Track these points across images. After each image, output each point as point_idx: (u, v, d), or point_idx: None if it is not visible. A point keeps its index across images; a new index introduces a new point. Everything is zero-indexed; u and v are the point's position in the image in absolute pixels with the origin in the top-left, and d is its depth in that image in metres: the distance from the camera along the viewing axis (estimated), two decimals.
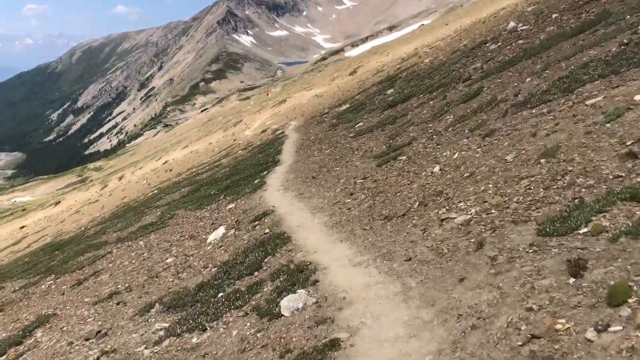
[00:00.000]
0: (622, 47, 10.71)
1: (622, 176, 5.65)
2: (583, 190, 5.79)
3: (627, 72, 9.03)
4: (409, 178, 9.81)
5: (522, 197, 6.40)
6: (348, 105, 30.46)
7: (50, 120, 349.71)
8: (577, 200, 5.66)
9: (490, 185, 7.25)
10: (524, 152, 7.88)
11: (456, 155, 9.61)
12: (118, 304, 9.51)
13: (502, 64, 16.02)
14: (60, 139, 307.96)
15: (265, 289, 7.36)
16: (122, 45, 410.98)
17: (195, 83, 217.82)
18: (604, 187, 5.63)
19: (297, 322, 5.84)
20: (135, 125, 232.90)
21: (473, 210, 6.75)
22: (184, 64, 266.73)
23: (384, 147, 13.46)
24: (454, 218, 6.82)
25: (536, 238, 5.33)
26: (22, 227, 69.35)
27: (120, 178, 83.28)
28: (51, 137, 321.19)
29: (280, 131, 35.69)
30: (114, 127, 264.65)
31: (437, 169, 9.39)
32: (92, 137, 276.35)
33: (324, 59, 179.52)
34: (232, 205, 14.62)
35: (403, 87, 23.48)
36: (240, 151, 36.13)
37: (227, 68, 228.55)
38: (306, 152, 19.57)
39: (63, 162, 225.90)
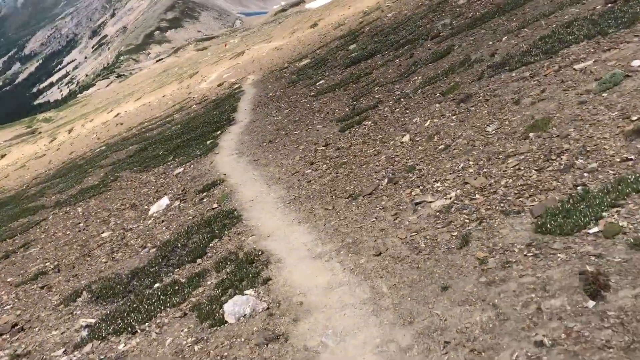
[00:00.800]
0: (609, 4, 9.78)
1: (631, 159, 4.76)
2: (585, 175, 4.88)
3: (617, 33, 8.11)
4: (376, 147, 8.76)
5: (510, 179, 5.44)
6: (309, 61, 28.93)
7: None
8: (580, 188, 4.74)
9: (471, 163, 6.28)
10: (507, 123, 6.92)
11: (428, 122, 8.60)
12: (42, 288, 8.25)
13: (473, 20, 14.94)
14: (7, 88, 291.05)
15: (208, 282, 6.24)
16: None
17: (150, 32, 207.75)
18: (611, 172, 4.73)
19: (243, 334, 4.76)
20: (87, 75, 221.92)
21: (453, 194, 5.77)
22: (138, 11, 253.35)
23: (347, 109, 12.32)
24: (431, 202, 5.82)
25: (534, 236, 4.39)
26: None
27: (70, 131, 79.74)
28: None
29: (237, 85, 33.95)
30: (65, 76, 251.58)
31: (406, 138, 8.37)
32: (41, 86, 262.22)
33: (284, 10, 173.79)
34: (180, 170, 13.31)
35: (366, 42, 22.13)
36: (194, 106, 34.36)
37: (183, 17, 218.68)
38: (263, 110, 18.20)
39: (10, 113, 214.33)
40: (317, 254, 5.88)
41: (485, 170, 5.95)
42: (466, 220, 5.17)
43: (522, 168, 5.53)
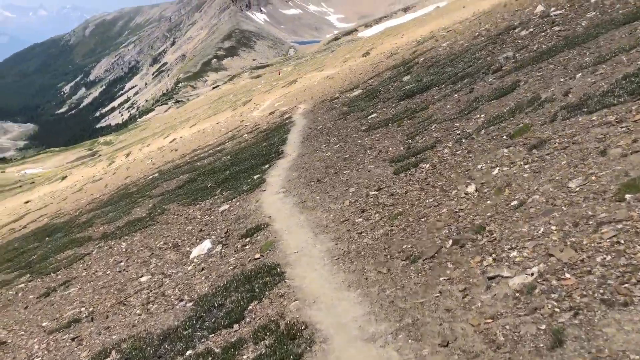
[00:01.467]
0: None
1: None
2: None
3: None
4: (436, 197, 7.88)
5: (608, 256, 4.44)
6: (360, 91, 28.40)
7: (62, 93, 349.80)
8: None
9: (554, 228, 5.30)
10: (593, 178, 5.90)
11: (496, 171, 7.65)
12: (74, 339, 7.78)
13: (538, 53, 13.90)
14: (72, 112, 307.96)
15: (244, 357, 5.52)
16: (135, 20, 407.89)
17: (207, 60, 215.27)
18: None
19: None
20: (146, 101, 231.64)
21: (535, 269, 4.81)
22: (197, 40, 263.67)
23: (402, 148, 11.49)
24: (508, 278, 4.89)
25: None
26: (27, 202, 68.98)
27: (128, 155, 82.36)
28: (63, 109, 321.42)
29: (288, 115, 33.81)
30: (126, 101, 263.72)
31: (472, 188, 7.44)
32: (103, 110, 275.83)
33: (336, 39, 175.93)
34: (225, 207, 12.81)
35: (421, 74, 21.33)
36: (245, 135, 34.44)
37: (239, 45, 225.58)
38: (313, 144, 17.63)
39: (74, 135, 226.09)
40: (370, 335, 5.00)
41: (572, 239, 4.96)
42: (556, 309, 4.20)
43: (623, 242, 4.52)
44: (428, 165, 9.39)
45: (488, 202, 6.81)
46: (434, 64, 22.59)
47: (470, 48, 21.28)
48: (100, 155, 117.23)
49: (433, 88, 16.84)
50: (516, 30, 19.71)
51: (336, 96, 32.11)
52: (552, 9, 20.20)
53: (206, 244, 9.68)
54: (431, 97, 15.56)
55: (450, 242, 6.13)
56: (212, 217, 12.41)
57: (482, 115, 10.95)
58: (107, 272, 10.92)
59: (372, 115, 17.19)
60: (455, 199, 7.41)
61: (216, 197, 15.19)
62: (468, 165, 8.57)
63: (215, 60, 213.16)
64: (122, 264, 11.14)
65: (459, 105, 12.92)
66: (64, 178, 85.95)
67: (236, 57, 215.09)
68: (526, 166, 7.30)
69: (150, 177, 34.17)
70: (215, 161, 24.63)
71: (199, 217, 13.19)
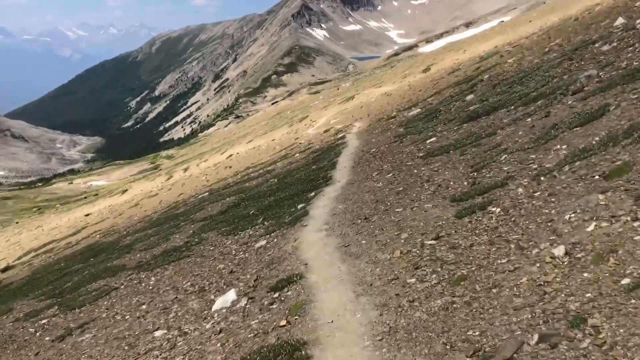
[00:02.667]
0: None
1: None
2: None
3: None
4: (511, 256, 6.15)
5: None
6: (419, 110, 26.67)
7: (129, 108, 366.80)
8: None
9: None
10: None
11: (591, 227, 5.86)
12: None
13: (629, 71, 11.80)
14: (138, 126, 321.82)
15: None
16: (199, 37, 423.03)
17: (267, 76, 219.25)
18: None
19: None
20: (208, 116, 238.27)
21: None
22: (258, 57, 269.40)
23: (466, 183, 9.75)
24: None
25: None
26: (87, 214, 71.33)
27: (186, 170, 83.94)
28: (129, 123, 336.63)
29: (342, 134, 32.55)
30: (188, 116, 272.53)
31: (560, 250, 5.68)
32: (167, 125, 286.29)
33: (396, 54, 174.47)
34: (262, 243, 11.51)
35: (486, 93, 19.37)
36: (297, 154, 33.50)
37: (299, 62, 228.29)
38: (364, 170, 16.09)
39: (139, 148, 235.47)
40: None
41: None
42: None
43: None
44: (499, 210, 7.64)
45: (585, 274, 5.05)
46: (501, 82, 20.56)
47: (542, 65, 19.14)
48: (160, 169, 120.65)
49: (501, 110, 14.93)
50: (596, 45, 17.47)
51: (393, 115, 30.57)
52: (638, 21, 17.85)
53: (231, 295, 8.34)
54: (499, 120, 13.68)
55: (536, 337, 4.42)
56: (246, 255, 11.11)
57: (564, 147, 9.07)
58: (126, 317, 9.82)
59: (431, 140, 15.46)
60: (538, 264, 5.67)
61: (257, 227, 13.96)
62: (551, 213, 6.78)
63: (274, 76, 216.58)
64: (144, 307, 10.02)
65: (533, 132, 11.03)
66: (124, 192, 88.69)
67: (295, 73, 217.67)
68: (635, 223, 5.48)
69: (200, 196, 33.89)
70: (263, 183, 23.58)
71: (233, 252, 11.95)
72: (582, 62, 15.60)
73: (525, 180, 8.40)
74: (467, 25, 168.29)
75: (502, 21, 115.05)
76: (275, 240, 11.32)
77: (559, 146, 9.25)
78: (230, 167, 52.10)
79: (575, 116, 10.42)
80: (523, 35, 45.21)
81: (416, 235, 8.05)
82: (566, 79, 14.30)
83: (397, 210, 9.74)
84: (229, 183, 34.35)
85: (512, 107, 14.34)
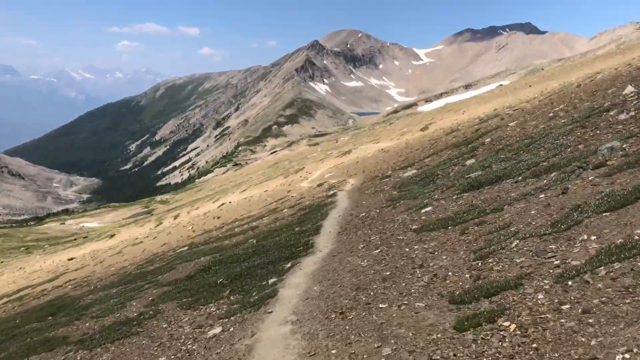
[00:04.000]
0: None
1: None
2: None
3: None
4: None
5: None
6: (415, 171, 24.98)
7: (129, 151, 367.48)
8: None
9: None
10: None
11: None
12: None
13: None
14: (136, 169, 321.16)
15: None
16: (203, 85, 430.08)
17: (268, 126, 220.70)
18: None
19: None
20: (207, 162, 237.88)
21: None
22: (260, 107, 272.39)
23: (468, 275, 7.77)
24: None
25: None
26: (71, 259, 68.85)
27: (176, 217, 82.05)
28: (128, 166, 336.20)
29: (334, 191, 30.86)
30: (187, 161, 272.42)
31: None
32: (165, 169, 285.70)
33: (396, 112, 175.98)
34: (216, 331, 9.39)
35: (489, 159, 17.66)
36: (286, 210, 31.75)
37: (300, 114, 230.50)
38: (350, 238, 14.12)
39: (136, 191, 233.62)
40: None
41: None
42: None
43: None
44: (514, 327, 5.62)
45: None
46: (505, 147, 18.90)
47: (550, 131, 17.54)
48: (152, 215, 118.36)
49: (506, 180, 13.13)
50: (611, 113, 15.92)
51: (388, 174, 28.94)
52: None
53: None
54: (505, 193, 11.83)
55: None
56: (194, 347, 8.96)
57: (593, 238, 7.16)
58: None
59: (427, 209, 13.55)
60: None
61: (220, 301, 11.89)
62: (590, 345, 4.79)
63: (275, 126, 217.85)
64: None
65: (548, 211, 9.15)
66: (112, 236, 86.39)
67: (296, 125, 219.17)
68: None
69: (180, 249, 31.96)
70: (242, 242, 21.53)
71: (182, 339, 9.79)
72: (598, 131, 13.96)
73: (547, 281, 6.43)
74: (467, 87, 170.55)
75: (501, 85, 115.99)
76: (232, 329, 9.19)
77: (585, 236, 7.34)
78: (218, 217, 50.48)
79: (603, 197, 8.56)
80: (523, 99, 44.47)
81: (402, 353, 5.97)
82: (582, 149, 12.58)
83: (381, 306, 7.69)
84: (211, 237, 32.52)
85: (520, 178, 12.54)
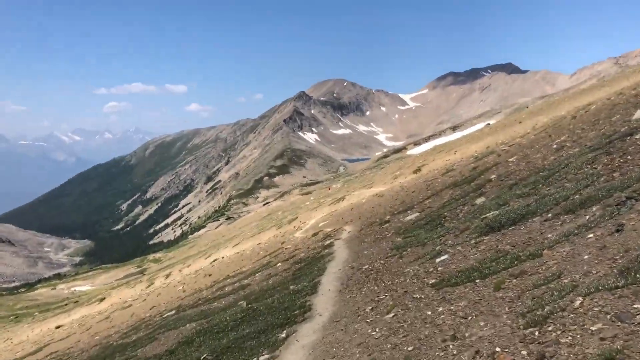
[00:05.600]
0: None
1: None
2: None
3: None
4: None
5: None
6: (417, 214, 23.02)
7: (120, 210, 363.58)
8: None
9: None
10: None
11: None
12: None
13: None
14: (128, 229, 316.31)
15: None
16: (192, 141, 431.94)
17: (259, 177, 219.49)
18: None
19: None
20: (199, 217, 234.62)
21: None
22: (250, 159, 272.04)
23: (525, 352, 5.67)
24: None
25: None
26: (58, 326, 65.75)
27: (167, 276, 79.23)
28: (119, 226, 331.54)
29: (330, 240, 28.80)
30: (179, 218, 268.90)
31: None
32: (157, 227, 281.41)
33: (386, 156, 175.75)
34: None
35: (503, 196, 15.77)
36: (279, 264, 29.57)
37: (291, 164, 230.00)
38: (353, 297, 11.99)
39: (128, 251, 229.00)
40: None
41: None
42: None
43: None
44: None
45: None
46: (518, 182, 17.06)
47: (569, 161, 15.77)
48: (144, 274, 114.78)
49: (533, 218, 11.19)
50: (636, 137, 14.24)
51: (387, 219, 26.97)
52: None
53: None
54: (538, 234, 9.86)
55: None
56: None
57: None
58: None
59: (442, 258, 11.51)
60: None
61: None
62: None
63: (267, 177, 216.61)
64: None
65: (608, 255, 7.17)
66: (101, 300, 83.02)
67: (287, 175, 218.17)
68: None
69: (167, 314, 29.61)
70: (232, 305, 19.20)
71: None
72: (629, 157, 12.19)
73: None
74: (454, 128, 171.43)
75: (488, 124, 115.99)
76: None
77: None
78: (210, 275, 48.21)
79: None
80: (516, 135, 43.24)
81: None
82: (619, 177, 10.76)
83: None
84: (200, 298, 30.29)
85: (550, 215, 10.62)
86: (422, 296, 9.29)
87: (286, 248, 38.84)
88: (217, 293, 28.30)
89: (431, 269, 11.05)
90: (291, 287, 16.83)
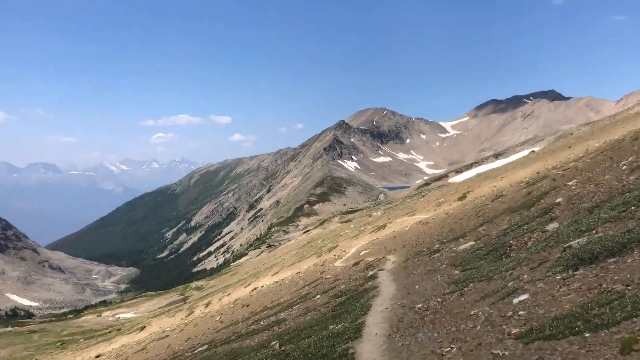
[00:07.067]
0: None
1: None
2: None
3: None
4: None
5: None
6: (472, 243, 20.44)
7: (165, 238, 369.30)
8: None
9: None
10: None
11: None
12: None
13: None
14: (172, 256, 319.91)
15: None
16: (235, 170, 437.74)
17: (299, 205, 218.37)
18: None
19: None
20: (241, 245, 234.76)
21: None
22: (291, 187, 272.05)
23: None
24: None
25: None
26: (98, 356, 65.15)
27: (207, 305, 78.04)
28: (164, 254, 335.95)
29: (373, 271, 26.41)
30: (222, 246, 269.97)
31: None
32: (200, 255, 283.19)
33: (427, 184, 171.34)
34: None
35: (584, 220, 13.15)
36: (318, 296, 27.41)
37: (330, 191, 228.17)
38: (408, 347, 9.62)
39: (172, 279, 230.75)
40: None
41: None
42: None
43: None
44: None
45: None
46: (599, 204, 14.39)
47: None
48: (186, 302, 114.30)
49: (634, 248, 8.67)
50: None
51: (435, 247, 24.46)
52: None
53: None
54: None
55: None
56: None
57: None
58: None
59: (522, 298, 9.05)
60: None
61: None
62: None
63: (307, 205, 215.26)
64: None
65: None
66: (142, 328, 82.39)
67: (327, 202, 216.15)
68: None
69: (198, 349, 27.84)
70: (263, 345, 17.04)
71: None
72: None
73: None
74: (496, 156, 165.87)
75: (533, 150, 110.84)
76: None
77: None
78: (247, 305, 46.47)
79: None
80: (570, 159, 40.01)
81: None
82: None
83: None
84: (235, 332, 28.47)
85: None
86: (507, 353, 6.90)
87: (326, 278, 36.69)
88: (251, 327, 26.28)
89: (509, 313, 8.62)
90: (330, 327, 14.53)
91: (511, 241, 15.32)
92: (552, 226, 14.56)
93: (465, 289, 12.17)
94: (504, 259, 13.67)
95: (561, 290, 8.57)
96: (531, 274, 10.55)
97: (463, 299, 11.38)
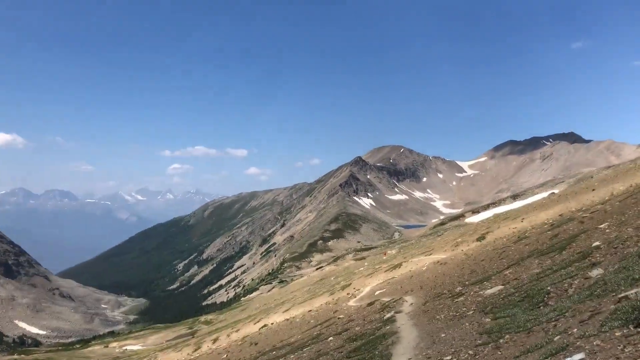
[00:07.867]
0: None
1: None
2: None
3: None
4: None
5: None
6: (500, 287, 18.90)
7: (176, 270, 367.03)
8: None
9: None
10: None
11: None
12: None
13: None
14: (183, 288, 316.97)
15: None
16: (250, 203, 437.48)
17: (313, 241, 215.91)
18: None
19: None
20: (252, 279, 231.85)
21: None
22: (305, 222, 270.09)
23: None
24: None
25: None
26: None
27: (215, 340, 75.87)
28: (175, 285, 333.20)
29: (390, 313, 24.85)
30: (233, 279, 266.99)
31: None
32: (211, 288, 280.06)
33: (443, 223, 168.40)
34: None
35: (634, 267, 11.73)
36: (331, 338, 25.82)
37: (345, 228, 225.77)
38: None
39: (181, 312, 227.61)
40: None
41: None
42: None
43: None
44: None
45: None
46: None
47: None
48: (194, 336, 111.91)
49: None
50: None
51: (457, 290, 22.92)
52: None
53: None
54: None
55: None
56: None
57: None
58: None
59: (576, 358, 7.69)
60: None
61: None
62: None
63: (321, 241, 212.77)
64: None
65: None
66: None
67: (341, 239, 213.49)
68: None
69: None
70: None
71: None
72: None
73: None
74: (514, 197, 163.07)
75: (554, 192, 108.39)
76: None
77: None
78: (256, 343, 44.64)
79: None
80: (595, 202, 38.34)
81: None
82: None
83: None
84: None
85: None
86: None
87: (339, 318, 35.03)
88: None
89: None
90: None
91: (548, 287, 13.86)
92: (595, 272, 13.11)
93: (501, 340, 10.75)
94: (542, 308, 12.24)
95: (626, 350, 7.19)
96: (582, 327, 9.13)
97: (499, 352, 9.96)
